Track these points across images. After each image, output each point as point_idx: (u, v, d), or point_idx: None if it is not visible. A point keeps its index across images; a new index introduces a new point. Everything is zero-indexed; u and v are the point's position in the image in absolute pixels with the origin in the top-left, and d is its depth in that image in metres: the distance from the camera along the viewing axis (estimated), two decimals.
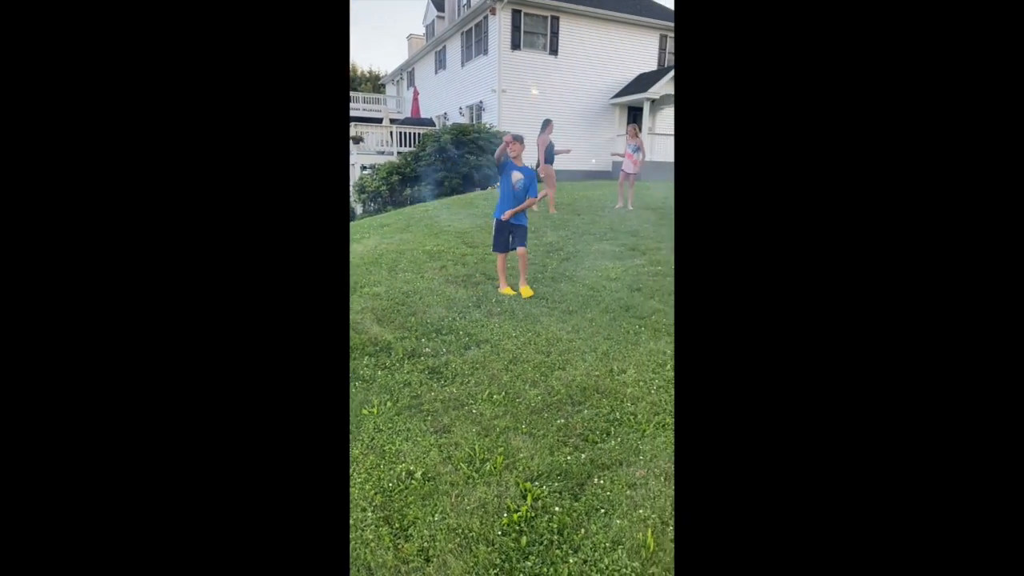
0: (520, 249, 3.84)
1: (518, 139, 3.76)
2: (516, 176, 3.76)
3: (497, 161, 3.75)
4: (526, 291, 3.80)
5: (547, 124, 7.68)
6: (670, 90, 15.30)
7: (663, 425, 2.10)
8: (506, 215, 3.76)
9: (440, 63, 18.86)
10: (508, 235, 3.84)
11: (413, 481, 1.79)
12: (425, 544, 1.52)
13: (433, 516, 1.63)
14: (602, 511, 1.63)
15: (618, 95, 16.02)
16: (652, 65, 16.79)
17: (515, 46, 14.35)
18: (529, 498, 1.68)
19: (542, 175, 7.58)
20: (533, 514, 1.61)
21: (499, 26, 14.08)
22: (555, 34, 14.97)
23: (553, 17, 14.78)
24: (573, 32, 15.24)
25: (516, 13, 14.16)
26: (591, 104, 16.02)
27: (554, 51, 15.06)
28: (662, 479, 1.77)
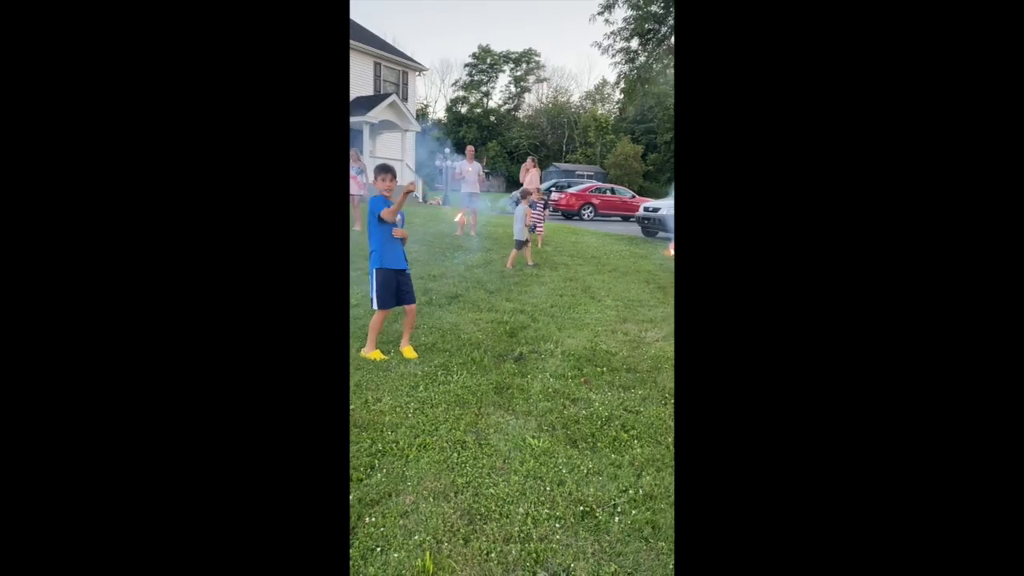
0: (411, 306, 3.23)
1: (388, 170, 3.08)
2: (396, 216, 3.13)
3: (382, 218, 3.03)
4: (409, 351, 3.20)
5: None
6: (388, 116, 15.83)
7: (424, 447, 2.18)
8: (397, 232, 3.12)
9: None
10: (395, 287, 3.13)
11: None
12: None
13: None
14: (378, 549, 1.60)
15: None
16: (368, 90, 17.08)
17: None
18: None
19: None
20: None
21: None
22: None
23: None
24: None
25: None
26: None
27: None
28: (431, 499, 1.84)
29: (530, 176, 8.64)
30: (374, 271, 3.14)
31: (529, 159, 8.86)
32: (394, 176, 3.12)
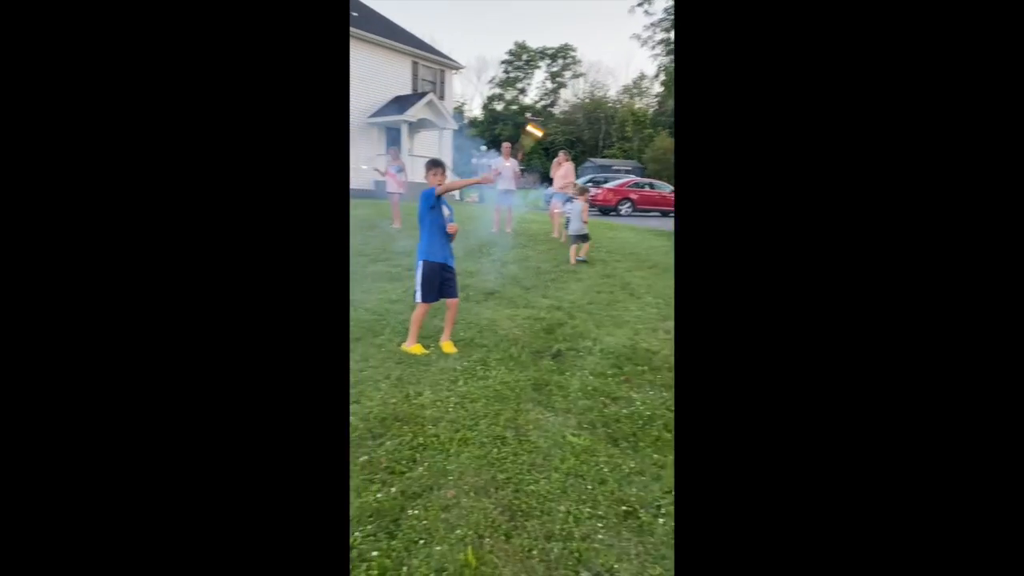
0: (454, 300, 3.24)
1: (439, 164, 3.10)
2: (446, 211, 3.14)
3: (438, 195, 3.04)
4: (449, 346, 3.22)
5: None
6: (425, 114, 16.00)
7: (465, 441, 2.19)
8: (451, 228, 3.15)
9: None
10: (439, 281, 3.16)
11: None
12: None
13: None
14: (421, 542, 1.61)
15: (375, 115, 16.03)
16: (406, 89, 17.30)
17: None
18: None
19: None
20: (350, 566, 1.49)
21: None
22: None
23: None
24: None
25: None
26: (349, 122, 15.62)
27: None
28: (472, 494, 1.85)
29: (563, 170, 8.52)
30: (420, 263, 3.15)
31: (561, 153, 8.72)
32: (444, 171, 3.14)
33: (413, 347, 3.17)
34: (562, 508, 1.78)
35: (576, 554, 1.58)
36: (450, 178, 3.18)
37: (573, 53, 43.68)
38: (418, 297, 3.18)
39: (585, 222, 6.44)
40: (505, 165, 8.45)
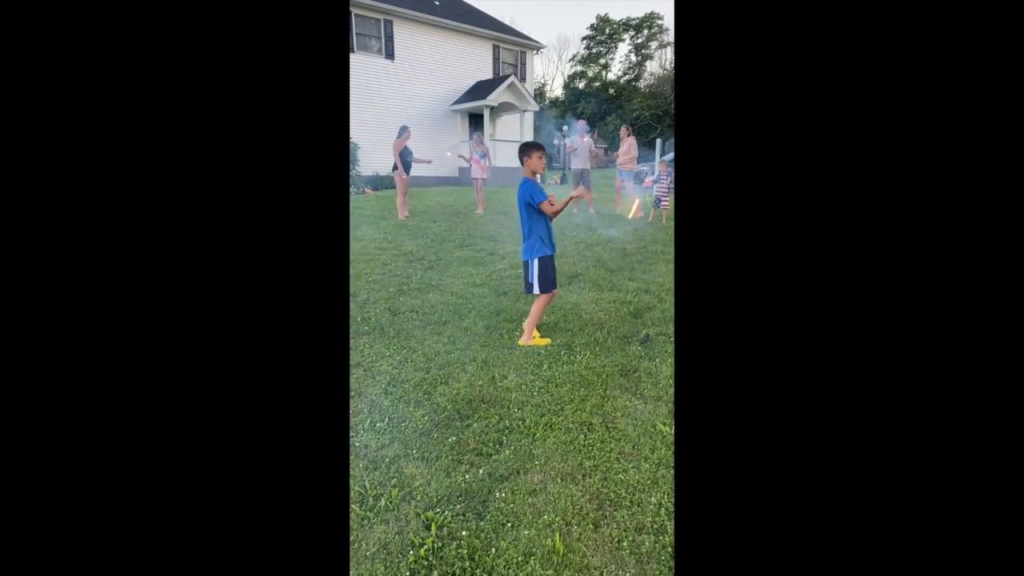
0: (555, 291, 3.13)
1: (541, 147, 3.00)
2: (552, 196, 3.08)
3: (551, 215, 3.02)
4: (540, 339, 3.13)
5: (404, 131, 7.69)
6: (507, 98, 15.99)
7: (551, 426, 2.17)
8: (580, 193, 3.08)
9: None
10: (553, 271, 3.07)
11: None
12: None
13: None
14: (508, 525, 1.62)
15: (458, 102, 16.28)
16: (488, 74, 17.38)
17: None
18: (433, 527, 1.60)
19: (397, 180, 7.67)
20: (440, 544, 1.54)
21: None
22: (390, 38, 14.66)
23: (386, 20, 14.45)
24: (408, 37, 15.08)
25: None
26: (432, 110, 16.04)
27: (390, 55, 14.75)
28: (559, 480, 1.82)
29: (624, 146, 8.29)
30: (536, 259, 2.99)
31: (623, 128, 8.61)
32: (545, 153, 3.02)
33: (536, 339, 3.08)
34: (653, 500, 1.71)
35: (668, 549, 1.50)
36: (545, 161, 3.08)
37: (660, 22, 41.42)
38: (537, 289, 3.02)
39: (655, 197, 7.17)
40: (582, 142, 8.23)
